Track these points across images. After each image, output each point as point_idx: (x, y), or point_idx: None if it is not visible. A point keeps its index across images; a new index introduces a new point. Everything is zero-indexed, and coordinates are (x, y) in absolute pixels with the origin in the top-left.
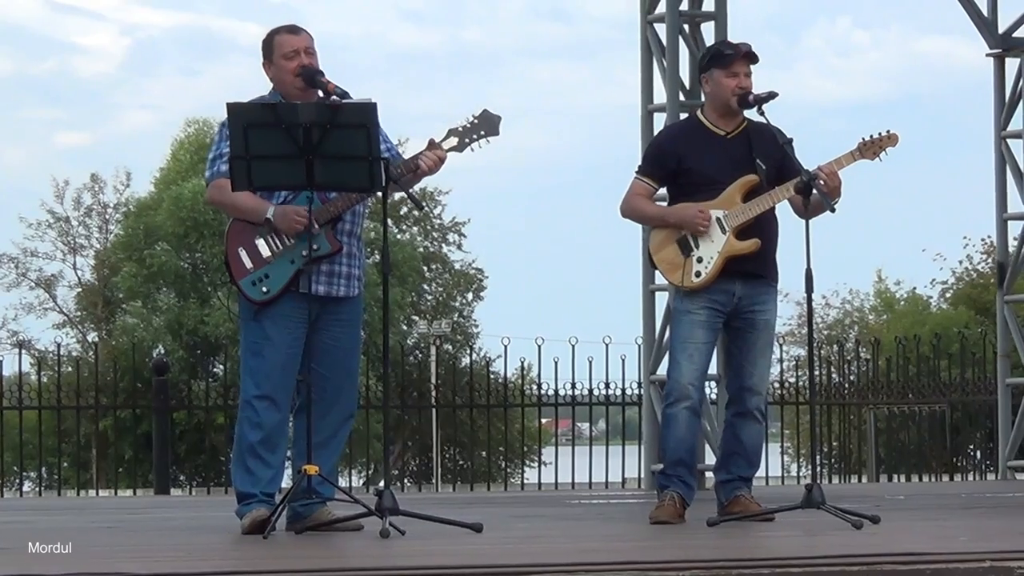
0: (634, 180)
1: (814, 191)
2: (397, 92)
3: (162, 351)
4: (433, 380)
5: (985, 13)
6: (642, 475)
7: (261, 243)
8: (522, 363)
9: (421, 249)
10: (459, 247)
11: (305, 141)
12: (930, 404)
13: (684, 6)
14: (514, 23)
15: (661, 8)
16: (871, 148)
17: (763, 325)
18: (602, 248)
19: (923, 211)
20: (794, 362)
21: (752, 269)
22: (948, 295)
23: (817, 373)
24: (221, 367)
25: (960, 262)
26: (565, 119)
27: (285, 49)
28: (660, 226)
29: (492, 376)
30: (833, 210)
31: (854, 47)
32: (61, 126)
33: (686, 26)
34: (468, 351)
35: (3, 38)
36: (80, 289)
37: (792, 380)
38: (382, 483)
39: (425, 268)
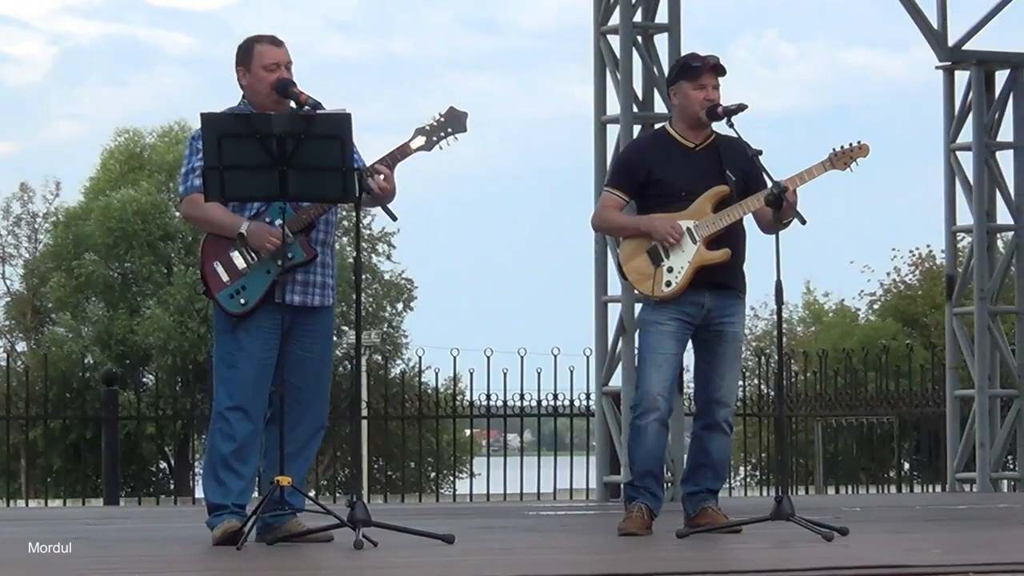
0: (604, 193)
1: (784, 203)
2: (325, 103)
3: (91, 361)
4: (389, 390)
5: (935, 26)
6: (592, 486)
7: (236, 255)
8: (470, 374)
9: (350, 260)
10: (388, 257)
11: (279, 152)
12: (879, 416)
13: (638, 18)
14: (442, 34)
15: (614, 20)
16: (842, 158)
17: (732, 337)
18: (545, 259)
19: (851, 223)
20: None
21: (721, 280)
22: (876, 307)
23: (753, 384)
24: (151, 377)
25: (888, 274)
26: (494, 130)
27: (266, 60)
28: (632, 236)
29: (437, 388)
30: (804, 221)
31: (781, 59)
32: None
33: (639, 38)
34: (418, 363)
35: None
36: (9, 299)
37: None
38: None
39: (353, 277)
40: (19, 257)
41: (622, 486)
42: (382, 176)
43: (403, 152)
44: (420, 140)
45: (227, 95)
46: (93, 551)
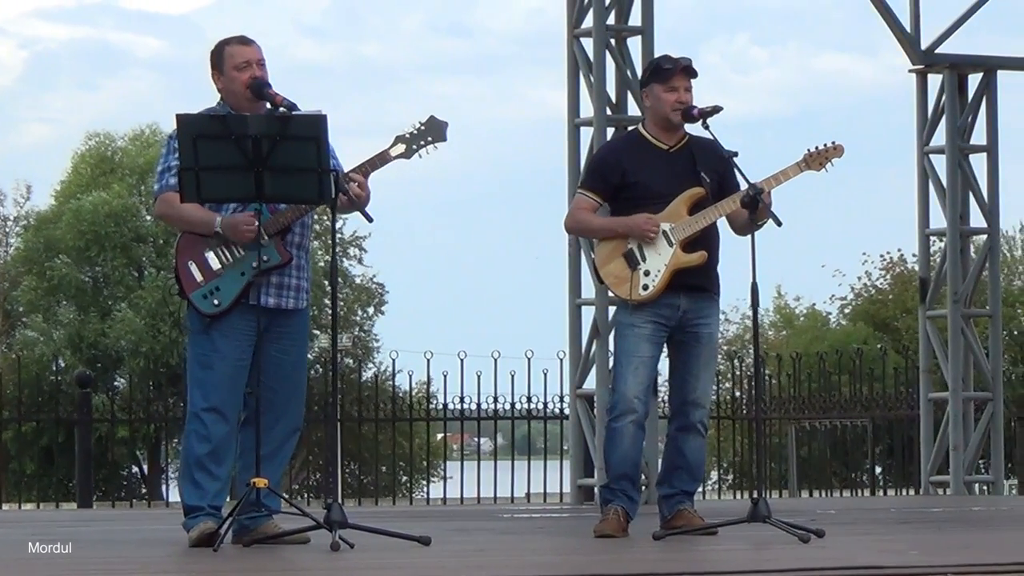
0: (578, 195)
1: (760, 204)
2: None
3: (62, 364)
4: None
5: (908, 29)
6: (567, 489)
7: (211, 256)
8: (444, 377)
9: (322, 264)
10: (360, 261)
11: (255, 153)
12: (852, 419)
13: (611, 20)
14: (413, 38)
15: (587, 23)
16: (817, 159)
17: (707, 339)
18: (518, 262)
19: (822, 227)
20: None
21: (697, 282)
22: (847, 311)
23: (727, 388)
24: (122, 381)
25: (859, 278)
26: (467, 134)
27: (237, 60)
28: (608, 237)
29: (411, 391)
30: (779, 223)
31: (752, 63)
32: None
33: (612, 40)
34: (391, 366)
35: None
36: None
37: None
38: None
39: (325, 282)
40: None
41: (596, 489)
42: (356, 184)
43: (382, 159)
44: (400, 148)
45: (198, 98)
46: (72, 553)
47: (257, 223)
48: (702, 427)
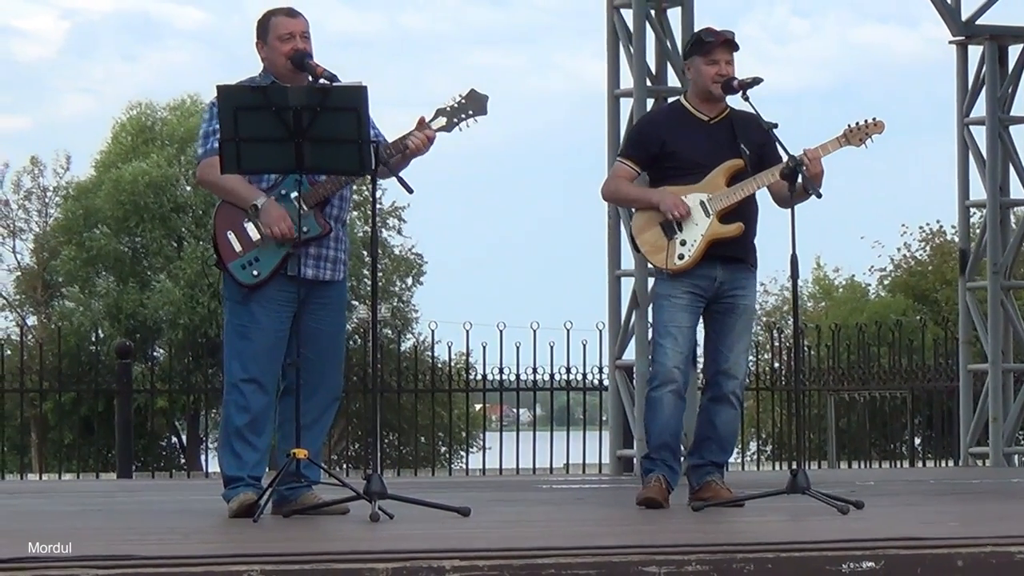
0: (616, 163)
1: (800, 176)
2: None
3: (101, 335)
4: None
5: (949, 0)
6: (605, 460)
7: (250, 226)
8: (483, 348)
9: (361, 234)
10: (399, 231)
11: (295, 124)
12: (891, 391)
13: None
14: (453, 9)
15: None
16: (857, 135)
17: (743, 310)
18: (558, 233)
19: (861, 198)
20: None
21: (733, 253)
22: (886, 282)
23: (766, 359)
24: (161, 351)
25: (898, 249)
26: (506, 105)
27: (281, 31)
28: (642, 207)
29: (450, 362)
30: (819, 196)
31: (792, 35)
32: (0, 109)
33: (652, 11)
34: (430, 336)
35: None
36: (19, 273)
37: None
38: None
39: (364, 252)
40: (29, 231)
41: (636, 460)
42: (423, 137)
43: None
44: (441, 121)
45: (239, 69)
46: (113, 523)
47: (294, 229)
48: (735, 398)
